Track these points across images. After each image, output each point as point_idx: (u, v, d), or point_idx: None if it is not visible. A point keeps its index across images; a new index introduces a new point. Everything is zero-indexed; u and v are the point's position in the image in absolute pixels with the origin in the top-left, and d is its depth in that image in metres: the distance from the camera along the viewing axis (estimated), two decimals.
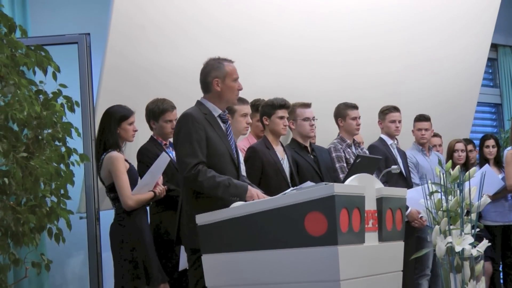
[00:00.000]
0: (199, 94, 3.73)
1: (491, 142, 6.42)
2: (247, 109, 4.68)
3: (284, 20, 5.63)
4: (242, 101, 4.60)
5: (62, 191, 3.51)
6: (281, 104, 4.64)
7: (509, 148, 5.90)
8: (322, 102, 5.45)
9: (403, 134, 5.80)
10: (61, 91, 3.45)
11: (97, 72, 4.79)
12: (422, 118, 5.94)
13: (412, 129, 6.00)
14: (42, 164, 3.24)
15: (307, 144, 4.97)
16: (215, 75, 3.66)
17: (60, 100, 3.46)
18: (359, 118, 5.33)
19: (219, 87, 3.66)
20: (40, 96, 3.40)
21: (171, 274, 4.34)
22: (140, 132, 4.68)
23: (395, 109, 5.67)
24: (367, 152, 5.42)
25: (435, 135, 6.35)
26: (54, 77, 3.44)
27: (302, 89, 5.58)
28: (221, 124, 3.68)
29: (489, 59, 8.01)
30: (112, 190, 4.19)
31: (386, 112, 5.66)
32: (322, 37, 5.86)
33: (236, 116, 4.54)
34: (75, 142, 3.65)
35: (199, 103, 3.71)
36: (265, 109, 4.68)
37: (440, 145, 6.41)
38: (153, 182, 4.22)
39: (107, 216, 4.54)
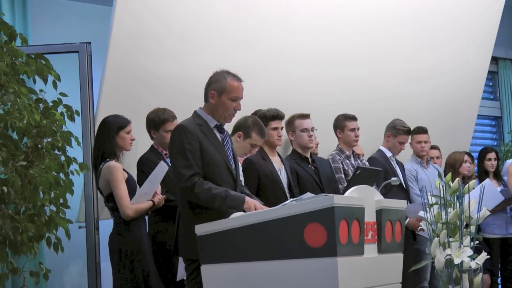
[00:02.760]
0: (198, 105, 3.72)
1: (492, 155, 6.43)
2: None
3: (284, 33, 5.64)
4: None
5: (61, 200, 3.50)
6: (274, 115, 4.64)
7: (510, 160, 5.88)
8: (323, 114, 5.47)
9: None
10: (61, 100, 3.45)
11: (97, 81, 4.80)
12: (420, 130, 5.93)
13: (410, 141, 5.99)
14: (42, 173, 3.24)
15: (308, 155, 4.97)
16: (213, 87, 3.63)
17: (60, 109, 3.46)
18: (358, 129, 5.33)
19: (214, 100, 3.62)
20: (40, 104, 3.41)
21: (170, 284, 4.33)
22: (140, 141, 4.68)
23: (409, 131, 5.68)
24: (367, 164, 5.42)
25: (433, 147, 6.35)
26: (54, 85, 3.44)
27: (302, 101, 5.58)
28: (218, 135, 3.66)
29: (489, 72, 8.03)
30: (110, 200, 4.18)
31: (400, 132, 5.62)
32: (322, 50, 5.87)
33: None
34: (75, 151, 3.65)
35: (195, 114, 3.69)
36: None
37: (437, 157, 6.40)
38: (152, 191, 4.21)
39: (107, 226, 4.53)
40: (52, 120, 3.37)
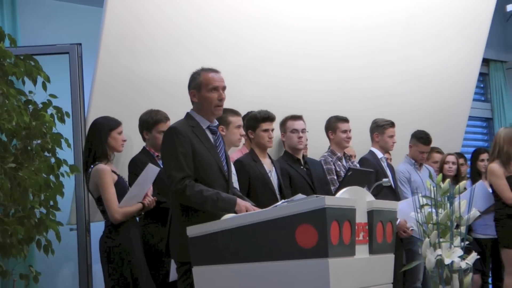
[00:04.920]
0: (188, 107, 3.72)
1: (485, 156, 6.45)
2: (241, 120, 4.69)
3: (275, 35, 5.65)
4: (236, 113, 4.60)
5: (51, 203, 3.48)
6: (265, 117, 4.65)
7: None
8: (315, 116, 5.47)
9: (394, 147, 5.80)
10: (51, 101, 3.43)
11: (88, 83, 4.78)
12: (428, 142, 5.92)
13: (410, 144, 5.99)
14: (31, 175, 3.22)
15: (300, 157, 4.97)
16: (192, 87, 3.65)
17: (50, 110, 3.44)
18: (349, 131, 5.35)
19: (196, 98, 3.63)
20: (30, 106, 3.38)
21: (161, 286, 4.32)
22: (131, 143, 4.67)
23: (393, 124, 5.69)
24: (358, 165, 5.43)
25: (438, 151, 6.36)
26: (44, 87, 3.42)
27: (295, 102, 5.59)
28: (210, 136, 3.65)
29: (480, 74, 8.06)
30: (101, 202, 4.17)
31: (385, 126, 5.65)
32: (314, 53, 5.89)
33: (231, 127, 4.55)
34: (66, 153, 3.63)
35: (188, 115, 3.68)
36: (249, 122, 4.69)
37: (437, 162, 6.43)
38: (142, 193, 4.20)
39: (98, 228, 4.52)
40: (42, 122, 3.34)
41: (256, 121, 4.65)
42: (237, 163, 4.55)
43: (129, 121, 4.54)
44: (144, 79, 4.92)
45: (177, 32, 5.08)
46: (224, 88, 3.65)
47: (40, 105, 3.40)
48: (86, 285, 4.64)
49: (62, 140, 3.45)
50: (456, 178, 6.29)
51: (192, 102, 3.68)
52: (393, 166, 5.87)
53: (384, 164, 5.61)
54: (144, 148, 4.63)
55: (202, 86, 3.60)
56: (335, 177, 5.11)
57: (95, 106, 4.69)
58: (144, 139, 4.64)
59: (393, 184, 5.52)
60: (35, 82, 3.38)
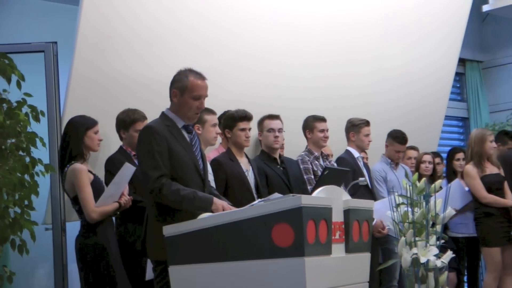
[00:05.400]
0: (166, 106, 3.70)
1: (461, 155, 6.52)
2: (217, 119, 4.69)
3: (254, 34, 5.64)
4: (211, 111, 4.60)
5: (26, 202, 3.45)
6: (242, 116, 4.64)
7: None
8: (292, 114, 5.48)
9: (370, 147, 5.82)
10: (26, 100, 3.40)
11: (64, 82, 4.74)
12: (403, 141, 5.97)
13: (386, 143, 6.03)
14: (5, 174, 3.19)
15: (276, 156, 4.98)
16: (175, 86, 3.60)
17: (25, 109, 3.41)
18: (327, 130, 5.36)
19: (176, 99, 3.60)
20: (4, 105, 3.35)
21: (138, 285, 4.30)
22: (109, 142, 4.65)
23: (368, 123, 5.71)
24: (335, 164, 5.45)
25: (412, 148, 6.40)
26: (19, 86, 3.39)
27: (272, 102, 5.58)
28: (186, 135, 3.64)
29: (457, 74, 8.12)
30: (77, 202, 4.14)
31: (361, 125, 5.68)
32: (292, 52, 5.89)
33: (206, 126, 4.55)
34: (41, 153, 3.60)
35: (163, 114, 3.66)
36: (226, 121, 4.68)
37: (415, 158, 6.46)
38: (118, 193, 4.18)
39: (74, 227, 4.49)
40: (16, 120, 3.32)
41: (233, 120, 4.64)
42: (214, 162, 4.55)
43: (105, 120, 4.51)
44: (120, 78, 4.89)
45: (153, 30, 5.04)
46: (206, 97, 3.63)
47: (15, 104, 3.38)
48: (62, 285, 4.61)
49: (37, 139, 3.44)
50: (432, 177, 6.34)
51: (171, 100, 3.65)
52: (370, 165, 5.90)
53: (361, 164, 5.63)
54: (121, 147, 4.62)
55: (187, 90, 3.57)
56: (312, 177, 5.12)
57: (71, 105, 4.65)
58: (121, 138, 4.62)
59: (369, 183, 5.55)
60: (9, 81, 3.36)
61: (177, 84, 3.60)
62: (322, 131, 5.34)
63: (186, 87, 3.57)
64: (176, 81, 3.61)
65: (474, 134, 5.94)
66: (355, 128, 5.68)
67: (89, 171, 4.19)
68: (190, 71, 3.62)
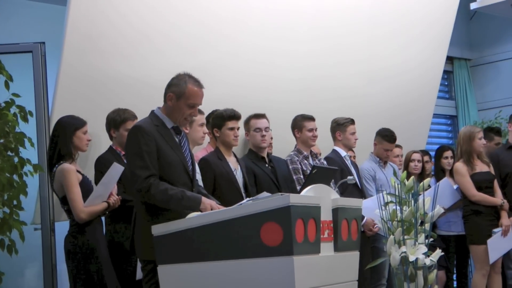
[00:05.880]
0: (152, 107, 3.70)
1: (449, 153, 6.54)
2: (205, 119, 4.69)
3: (241, 34, 5.64)
4: (199, 111, 4.60)
5: (15, 202, 3.44)
6: (231, 115, 4.64)
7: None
8: (280, 113, 5.49)
9: (358, 145, 5.84)
10: (14, 100, 3.39)
11: (52, 82, 4.73)
12: (392, 139, 5.99)
13: (375, 142, 6.04)
14: None
15: (264, 155, 4.99)
16: (172, 90, 3.60)
17: (13, 109, 3.40)
18: (315, 130, 5.36)
19: (171, 102, 3.60)
20: None
21: (127, 284, 4.30)
22: (99, 142, 4.64)
23: (353, 121, 5.73)
24: (325, 162, 5.46)
25: (398, 145, 6.42)
26: (7, 86, 3.38)
27: (260, 102, 5.59)
28: (175, 136, 3.64)
29: (445, 72, 8.15)
30: (65, 202, 4.14)
31: (346, 124, 5.69)
32: (280, 51, 5.89)
33: (194, 125, 4.55)
34: (30, 153, 3.59)
35: (152, 114, 3.67)
36: (215, 120, 4.68)
37: (401, 155, 6.47)
38: (107, 193, 4.18)
39: (63, 227, 4.49)
40: (5, 121, 3.31)
41: (221, 119, 4.64)
42: (202, 161, 4.55)
43: (93, 120, 4.50)
44: (108, 79, 4.88)
45: (140, 31, 5.03)
46: (200, 105, 3.65)
47: (3, 104, 3.37)
48: (51, 285, 4.60)
49: (26, 140, 3.42)
50: (421, 176, 6.36)
51: (165, 102, 3.65)
52: (358, 164, 5.91)
53: (348, 162, 5.65)
54: (110, 147, 4.62)
55: (183, 97, 3.58)
56: (302, 177, 5.12)
57: (59, 105, 4.65)
58: (111, 138, 4.62)
59: (358, 181, 5.56)
60: None
61: (174, 88, 3.60)
62: (311, 130, 5.34)
63: (183, 93, 3.57)
64: (173, 85, 3.61)
65: (463, 132, 5.96)
66: (341, 127, 5.69)
67: (78, 171, 4.19)
68: (189, 77, 3.63)
